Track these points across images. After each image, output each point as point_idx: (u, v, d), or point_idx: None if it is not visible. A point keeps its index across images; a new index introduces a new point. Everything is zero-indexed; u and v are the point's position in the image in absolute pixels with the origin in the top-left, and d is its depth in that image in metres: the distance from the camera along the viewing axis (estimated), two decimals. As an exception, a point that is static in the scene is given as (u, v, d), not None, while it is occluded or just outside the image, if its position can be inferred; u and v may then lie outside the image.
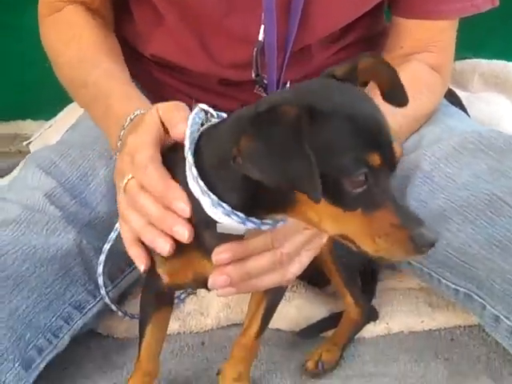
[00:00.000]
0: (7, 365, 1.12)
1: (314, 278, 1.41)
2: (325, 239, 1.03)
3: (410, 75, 1.36)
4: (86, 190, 1.31)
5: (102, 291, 1.20)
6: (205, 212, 0.90)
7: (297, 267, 0.99)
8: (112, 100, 1.19)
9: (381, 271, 1.44)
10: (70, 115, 1.64)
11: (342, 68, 0.90)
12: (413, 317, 1.33)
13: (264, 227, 0.91)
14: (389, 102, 0.91)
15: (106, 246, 1.14)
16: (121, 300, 1.38)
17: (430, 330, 1.32)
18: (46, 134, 2.02)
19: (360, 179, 0.81)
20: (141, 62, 1.48)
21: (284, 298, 1.35)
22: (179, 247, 0.95)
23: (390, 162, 0.83)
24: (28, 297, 1.18)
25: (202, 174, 0.90)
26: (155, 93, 1.50)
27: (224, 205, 0.89)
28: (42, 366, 1.19)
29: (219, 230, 0.92)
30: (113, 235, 1.12)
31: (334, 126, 0.81)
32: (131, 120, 1.09)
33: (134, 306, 1.32)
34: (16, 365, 1.14)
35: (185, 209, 0.91)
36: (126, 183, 0.99)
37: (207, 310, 1.38)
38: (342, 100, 0.84)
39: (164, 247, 0.94)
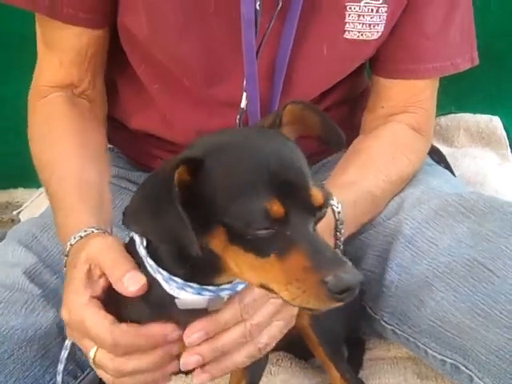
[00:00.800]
0: None
1: (298, 350, 1.38)
2: (295, 310, 1.01)
3: (390, 137, 1.36)
4: None
5: None
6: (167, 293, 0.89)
7: (267, 338, 0.97)
8: (57, 217, 1.18)
9: (368, 340, 1.41)
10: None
11: (269, 117, 0.91)
12: (401, 389, 1.29)
13: (223, 293, 0.89)
14: (326, 145, 0.92)
15: (64, 353, 1.12)
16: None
17: (419, 403, 1.28)
18: (37, 202, 2.02)
19: (263, 227, 0.78)
20: (124, 132, 1.48)
21: (269, 372, 1.33)
22: None
23: (305, 204, 0.79)
24: (6, 381, 1.15)
25: (153, 253, 0.89)
26: (138, 160, 1.49)
27: (175, 278, 0.87)
28: None
29: (180, 306, 0.89)
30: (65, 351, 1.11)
31: (226, 173, 0.80)
32: (71, 245, 1.06)
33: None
34: None
35: (178, 334, 0.91)
36: (94, 358, 0.96)
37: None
38: (243, 146, 0.83)
39: None
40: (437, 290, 1.18)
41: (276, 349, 1.32)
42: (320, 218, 0.83)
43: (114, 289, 0.94)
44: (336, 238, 1.17)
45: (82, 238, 1.05)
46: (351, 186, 1.24)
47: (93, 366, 0.98)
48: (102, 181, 1.23)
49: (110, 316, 0.94)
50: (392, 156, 1.33)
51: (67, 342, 1.13)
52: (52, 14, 1.29)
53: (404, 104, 1.39)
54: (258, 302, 0.94)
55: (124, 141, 1.53)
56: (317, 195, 0.80)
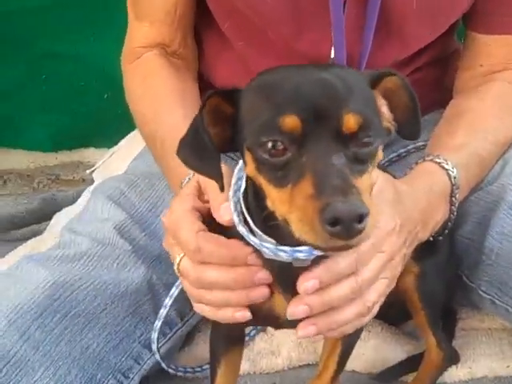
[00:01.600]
0: None
1: (389, 315, 1.35)
2: (400, 267, 0.98)
3: (495, 97, 1.30)
4: (155, 222, 1.29)
5: (154, 346, 1.18)
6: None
7: (374, 296, 0.93)
8: (171, 161, 1.17)
9: (461, 310, 1.37)
10: (132, 143, 1.63)
11: (369, 72, 0.86)
12: (497, 361, 1.26)
13: (298, 255, 0.84)
14: (398, 133, 0.87)
15: (163, 312, 1.15)
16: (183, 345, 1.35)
17: (517, 375, 1.25)
18: (109, 162, 2.02)
19: (276, 147, 0.73)
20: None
21: (360, 337, 1.30)
22: None
23: (330, 128, 0.73)
24: (99, 335, 1.16)
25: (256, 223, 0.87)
26: None
27: (252, 238, 0.87)
28: None
29: (266, 255, 0.87)
30: (168, 302, 1.14)
31: (258, 98, 0.78)
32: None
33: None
34: None
35: (257, 260, 0.89)
36: (179, 263, 0.96)
37: (278, 349, 1.34)
38: (287, 75, 0.79)
39: (243, 317, 0.92)
40: None
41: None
42: (360, 157, 0.75)
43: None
44: (451, 204, 1.12)
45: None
46: (462, 149, 1.19)
47: (177, 274, 0.98)
48: None
49: (202, 225, 0.93)
50: (500, 117, 1.27)
51: (167, 301, 1.14)
52: None
53: (505, 61, 1.33)
54: (367, 255, 0.90)
55: None
56: (349, 120, 0.73)
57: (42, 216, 1.95)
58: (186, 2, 1.33)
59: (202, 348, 1.31)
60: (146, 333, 1.23)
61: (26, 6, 2.01)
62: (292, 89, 0.75)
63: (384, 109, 0.84)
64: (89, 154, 2.31)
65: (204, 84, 1.43)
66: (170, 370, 1.22)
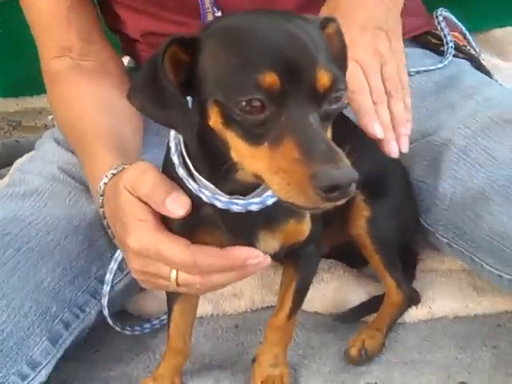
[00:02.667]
0: (34, 339, 1.10)
1: (351, 258, 1.36)
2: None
3: None
4: None
5: (105, 312, 1.17)
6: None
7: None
8: (85, 164, 1.17)
9: (421, 251, 1.38)
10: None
11: (313, 17, 0.85)
12: (457, 301, 1.27)
13: (252, 207, 0.86)
14: None
15: (113, 265, 1.15)
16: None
17: (476, 315, 1.26)
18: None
19: (253, 104, 0.72)
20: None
21: (322, 279, 1.32)
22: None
23: (307, 87, 0.72)
24: (53, 269, 1.15)
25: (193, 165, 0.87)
26: None
27: (203, 190, 0.87)
28: (69, 341, 1.16)
29: None
30: (113, 266, 1.14)
31: (224, 49, 0.76)
32: (105, 184, 1.03)
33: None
34: (43, 339, 1.11)
35: (258, 262, 0.89)
36: (177, 279, 0.93)
37: (241, 291, 1.34)
38: (250, 24, 0.77)
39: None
40: (495, 204, 1.12)
41: (327, 256, 1.33)
42: (328, 114, 0.75)
43: None
44: None
45: (114, 175, 1.02)
46: None
47: (173, 286, 0.95)
48: (122, 127, 1.22)
49: (183, 238, 0.91)
50: None
51: (117, 254, 1.13)
52: None
53: None
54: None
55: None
56: (322, 77, 0.73)
57: (2, 161, 1.92)
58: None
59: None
60: (102, 268, 1.21)
61: None
62: (263, 42, 0.73)
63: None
64: (51, 100, 2.26)
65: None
66: (117, 328, 1.22)
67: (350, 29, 1.05)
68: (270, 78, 0.71)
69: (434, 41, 1.48)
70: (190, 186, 0.87)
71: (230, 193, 0.86)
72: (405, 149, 1.08)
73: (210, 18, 1.29)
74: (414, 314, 1.27)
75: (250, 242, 0.92)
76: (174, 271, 0.92)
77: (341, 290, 1.31)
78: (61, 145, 1.33)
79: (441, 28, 1.44)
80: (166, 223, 0.92)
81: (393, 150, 1.06)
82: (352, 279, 1.33)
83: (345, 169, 0.69)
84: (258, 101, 0.72)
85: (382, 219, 1.18)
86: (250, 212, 0.87)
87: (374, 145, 1.08)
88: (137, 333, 1.25)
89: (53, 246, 1.16)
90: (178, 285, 0.93)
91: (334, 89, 0.74)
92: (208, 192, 0.86)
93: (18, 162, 1.77)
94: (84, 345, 1.24)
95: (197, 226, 0.92)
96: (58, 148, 1.33)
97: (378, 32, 1.12)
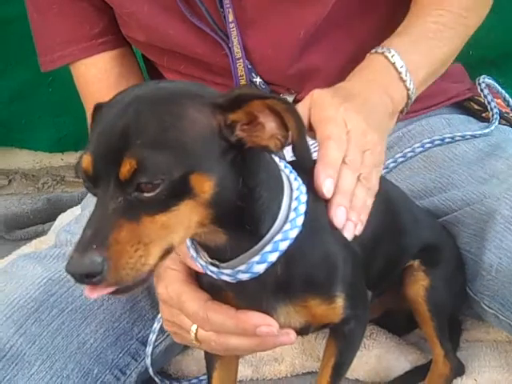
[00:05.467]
0: None
1: (394, 325, 1.34)
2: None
3: None
4: None
5: (150, 371, 1.19)
6: None
7: (367, 169, 0.96)
8: None
9: (465, 320, 1.36)
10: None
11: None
12: (503, 373, 1.23)
13: (240, 276, 0.85)
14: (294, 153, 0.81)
15: (152, 337, 1.16)
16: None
17: (523, 388, 1.22)
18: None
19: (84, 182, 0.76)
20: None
21: (363, 346, 1.29)
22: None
23: (110, 172, 0.72)
24: (96, 330, 1.16)
25: None
26: None
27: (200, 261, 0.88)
28: None
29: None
30: (156, 325, 1.14)
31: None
32: None
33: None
34: None
35: (269, 330, 0.88)
36: (196, 334, 0.94)
37: (282, 356, 1.32)
38: (111, 102, 0.78)
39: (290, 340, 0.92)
40: None
41: (371, 321, 1.31)
42: (142, 200, 0.72)
43: None
44: (403, 83, 1.12)
45: None
46: (405, 30, 1.19)
47: (192, 342, 0.96)
48: None
49: (207, 294, 0.92)
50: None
51: (155, 326, 1.15)
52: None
53: None
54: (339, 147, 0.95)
55: None
56: (124, 165, 0.71)
57: (46, 216, 1.95)
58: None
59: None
60: (143, 330, 1.23)
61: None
62: (98, 125, 0.75)
63: (268, 125, 0.77)
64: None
65: None
66: (161, 383, 1.22)
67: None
68: (85, 161, 0.73)
69: (476, 107, 1.48)
70: (198, 265, 0.89)
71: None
72: (349, 235, 0.94)
73: (242, 82, 1.29)
74: (459, 385, 1.23)
75: (269, 314, 0.90)
76: (195, 325, 0.93)
77: (383, 358, 1.28)
78: None
79: (484, 95, 1.44)
80: (198, 277, 0.93)
81: (338, 216, 0.92)
82: (394, 346, 1.31)
83: (73, 260, 0.71)
84: (84, 181, 0.75)
85: (440, 287, 1.17)
86: (258, 281, 0.86)
87: (432, 215, 1.05)
88: None
89: (96, 306, 1.18)
90: (198, 341, 0.94)
91: (137, 178, 0.71)
92: (214, 268, 0.86)
93: (64, 218, 1.79)
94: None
95: (221, 287, 0.91)
96: None
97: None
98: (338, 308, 0.93)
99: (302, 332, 0.95)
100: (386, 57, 1.12)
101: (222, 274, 0.85)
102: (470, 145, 1.35)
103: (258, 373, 1.31)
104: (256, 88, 1.28)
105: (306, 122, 0.98)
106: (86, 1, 1.32)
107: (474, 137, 1.36)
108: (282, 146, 0.76)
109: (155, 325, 1.16)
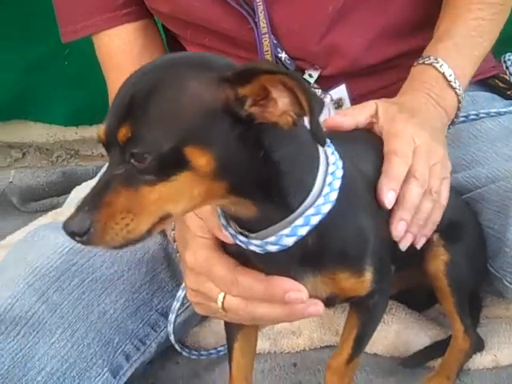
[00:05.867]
0: (96, 369, 1.10)
1: (414, 300, 1.33)
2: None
3: None
4: None
5: (171, 338, 1.19)
6: None
7: (437, 183, 1.01)
8: None
9: (485, 296, 1.35)
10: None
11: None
12: (524, 350, 1.23)
13: (269, 247, 0.84)
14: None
15: (176, 305, 1.16)
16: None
17: (543, 365, 1.21)
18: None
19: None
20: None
21: (383, 321, 1.29)
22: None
23: (115, 139, 0.73)
24: (116, 301, 1.16)
25: None
26: None
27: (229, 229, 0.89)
28: (129, 373, 1.17)
29: None
30: (181, 293, 1.14)
31: None
32: None
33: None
34: (104, 370, 1.12)
35: (299, 296, 0.87)
36: (223, 302, 0.93)
37: (299, 329, 1.32)
38: (130, 76, 0.79)
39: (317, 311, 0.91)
40: None
41: (390, 297, 1.30)
42: (140, 170, 0.73)
43: None
44: (454, 90, 1.14)
45: None
46: (448, 33, 1.19)
47: (219, 311, 0.95)
48: None
49: (233, 259, 0.92)
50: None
51: (180, 293, 1.14)
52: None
53: None
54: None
55: None
56: (120, 131, 0.73)
57: (61, 189, 1.95)
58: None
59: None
60: (163, 301, 1.23)
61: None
62: (116, 95, 0.77)
63: (280, 101, 0.75)
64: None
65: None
66: (184, 353, 1.23)
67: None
68: (100, 129, 0.76)
69: (501, 85, 1.47)
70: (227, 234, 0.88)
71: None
72: (403, 246, 1.00)
73: (267, 57, 1.27)
74: (478, 361, 1.23)
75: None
76: (222, 293, 0.92)
77: (402, 333, 1.28)
78: None
79: (509, 72, 1.42)
80: (224, 246, 0.93)
81: (398, 230, 0.97)
82: (414, 322, 1.30)
83: (68, 219, 0.74)
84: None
85: (460, 262, 1.16)
86: (287, 253, 0.85)
87: (455, 192, 1.07)
88: (193, 357, 1.26)
89: (116, 277, 1.17)
90: (224, 309, 0.93)
91: (129, 146, 0.73)
92: (243, 238, 0.86)
93: (79, 191, 1.79)
94: (140, 378, 1.23)
95: (247, 257, 0.91)
96: None
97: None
98: (366, 281, 0.93)
99: (327, 304, 0.94)
100: (435, 67, 1.14)
101: (251, 244, 0.85)
102: (494, 122, 1.34)
103: (276, 346, 1.30)
104: (274, 63, 1.26)
105: (359, 123, 1.04)
106: None
107: (499, 114, 1.35)
108: (294, 124, 0.75)
109: (179, 292, 1.15)
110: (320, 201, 0.83)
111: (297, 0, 1.23)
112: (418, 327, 1.29)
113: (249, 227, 0.85)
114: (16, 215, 1.89)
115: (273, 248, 0.84)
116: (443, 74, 1.14)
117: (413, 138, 1.01)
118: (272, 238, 0.83)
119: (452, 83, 1.14)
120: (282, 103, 0.74)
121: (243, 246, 0.86)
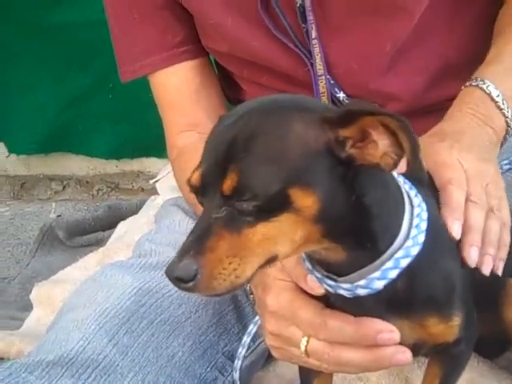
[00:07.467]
0: None
1: (485, 348, 1.28)
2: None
3: None
4: None
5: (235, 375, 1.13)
6: None
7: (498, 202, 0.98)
8: None
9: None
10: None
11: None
12: None
13: (359, 291, 0.82)
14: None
15: (241, 351, 1.10)
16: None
17: None
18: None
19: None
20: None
21: (461, 372, 1.23)
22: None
23: (214, 187, 0.73)
24: (184, 343, 1.12)
25: None
26: None
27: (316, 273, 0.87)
28: None
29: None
30: (246, 340, 1.10)
31: None
32: None
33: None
34: None
35: (391, 337, 0.84)
36: (307, 346, 0.90)
37: (366, 376, 1.26)
38: (222, 118, 0.80)
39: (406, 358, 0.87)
40: None
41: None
42: (242, 211, 0.72)
43: None
44: (501, 111, 1.09)
45: None
46: (496, 59, 1.15)
47: (301, 356, 0.91)
48: None
49: (318, 302, 0.89)
50: None
51: (250, 328, 1.10)
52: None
53: None
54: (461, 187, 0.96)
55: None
56: (226, 183, 0.72)
57: (106, 224, 1.94)
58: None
59: (288, 368, 1.25)
60: (229, 344, 1.19)
61: (101, 18, 2.01)
62: (209, 140, 0.78)
63: (382, 143, 0.74)
64: (149, 163, 2.30)
65: None
66: None
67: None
68: (194, 176, 0.75)
69: None
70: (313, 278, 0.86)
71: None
72: (486, 270, 0.95)
73: (323, 98, 1.26)
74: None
75: None
76: (306, 337, 0.89)
77: (475, 382, 1.23)
78: (189, 215, 1.32)
79: None
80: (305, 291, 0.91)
81: (471, 255, 0.92)
82: (487, 371, 1.25)
83: (171, 264, 0.73)
84: (194, 194, 0.77)
85: None
86: (374, 297, 0.83)
87: None
88: None
89: (184, 319, 1.14)
90: (307, 354, 0.90)
91: (237, 191, 0.72)
92: (331, 282, 0.84)
93: (126, 226, 1.77)
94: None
95: (328, 300, 0.89)
96: (186, 218, 1.32)
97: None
98: (455, 327, 0.90)
99: (413, 352, 0.90)
100: (481, 88, 1.10)
101: (340, 287, 0.83)
102: None
103: (343, 393, 1.26)
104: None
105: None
106: (168, 9, 1.29)
107: None
108: (395, 165, 0.74)
109: (245, 338, 1.12)
110: (409, 243, 0.82)
111: (354, 38, 1.22)
112: (492, 377, 1.24)
113: (336, 271, 0.83)
114: (62, 250, 1.88)
115: (363, 292, 0.82)
116: (489, 94, 1.10)
117: (460, 163, 0.99)
118: (362, 282, 0.82)
119: (499, 104, 1.09)
120: (382, 145, 0.74)
121: (331, 289, 0.84)
